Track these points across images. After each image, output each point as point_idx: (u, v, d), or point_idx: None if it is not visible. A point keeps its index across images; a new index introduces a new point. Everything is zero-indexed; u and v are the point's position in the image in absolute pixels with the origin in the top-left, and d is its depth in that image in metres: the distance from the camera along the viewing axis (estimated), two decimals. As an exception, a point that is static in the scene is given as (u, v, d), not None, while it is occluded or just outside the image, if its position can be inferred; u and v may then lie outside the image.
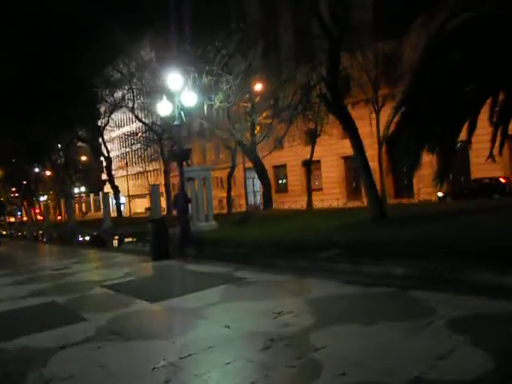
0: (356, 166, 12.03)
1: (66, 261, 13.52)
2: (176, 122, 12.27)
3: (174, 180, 50.68)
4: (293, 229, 14.32)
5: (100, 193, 72.57)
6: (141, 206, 64.34)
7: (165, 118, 12.77)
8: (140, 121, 38.32)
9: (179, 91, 12.18)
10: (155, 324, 5.75)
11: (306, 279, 7.44)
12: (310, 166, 27.09)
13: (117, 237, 23.55)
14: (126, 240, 21.54)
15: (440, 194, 26.92)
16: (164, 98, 12.64)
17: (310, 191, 27.35)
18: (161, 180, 57.94)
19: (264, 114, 23.13)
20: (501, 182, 27.81)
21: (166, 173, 38.65)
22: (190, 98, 11.98)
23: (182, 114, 12.09)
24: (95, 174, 70.82)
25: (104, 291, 8.12)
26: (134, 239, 20.57)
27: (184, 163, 13.75)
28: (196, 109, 12.49)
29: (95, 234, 28.23)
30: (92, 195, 76.85)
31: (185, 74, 12.09)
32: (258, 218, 21.39)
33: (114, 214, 57.41)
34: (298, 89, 11.66)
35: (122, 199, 54.48)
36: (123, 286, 8.40)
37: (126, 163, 54.64)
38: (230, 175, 31.79)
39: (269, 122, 25.84)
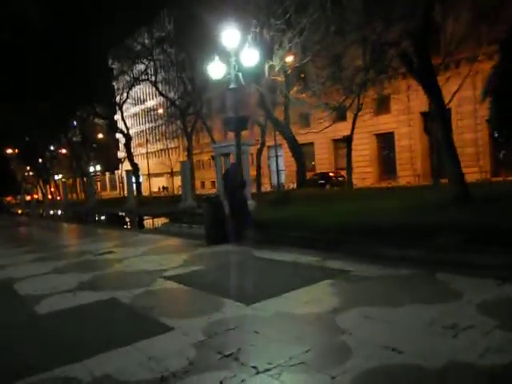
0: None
1: (104, 243, 12.07)
2: (232, 85, 10.56)
3: (197, 157, 49.25)
4: (356, 210, 12.64)
5: (116, 171, 71.61)
6: (156, 185, 63.12)
7: (216, 80, 10.89)
8: (162, 95, 36.53)
9: (236, 49, 10.42)
10: (280, 341, 4.17)
11: (441, 275, 5.78)
12: (351, 143, 25.24)
13: (146, 217, 22.14)
14: (157, 220, 20.11)
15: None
16: (216, 58, 10.89)
17: (350, 170, 25.55)
18: (182, 158, 56.52)
19: (295, 88, 21.05)
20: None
21: (189, 150, 36.95)
22: (250, 57, 10.20)
23: (240, 75, 10.36)
24: (111, 152, 69.64)
25: (172, 285, 6.56)
26: (167, 220, 19.16)
27: (234, 136, 12.03)
28: (255, 70, 10.78)
29: (121, 213, 26.90)
30: (108, 174, 75.75)
31: (243, 28, 10.27)
32: (296, 197, 19.69)
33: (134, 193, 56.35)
34: (374, 47, 9.82)
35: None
36: (193, 279, 6.85)
37: (146, 140, 53.00)
38: (260, 152, 30.07)
39: (303, 95, 23.93)
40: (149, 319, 4.99)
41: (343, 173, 32.68)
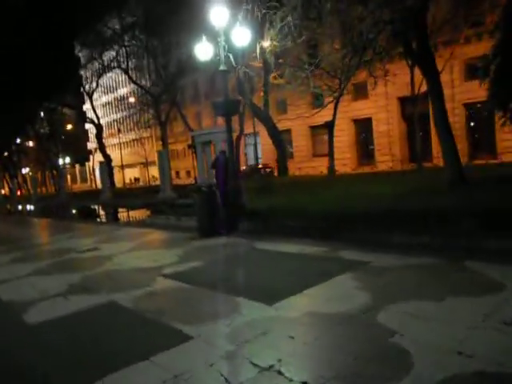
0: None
1: (86, 239, 11.26)
2: (221, 67, 9.88)
3: (171, 147, 48.05)
4: (348, 196, 12.27)
5: (87, 163, 69.46)
6: (129, 176, 61.51)
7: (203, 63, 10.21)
8: (135, 83, 35.21)
9: (225, 28, 9.73)
10: (322, 348, 3.67)
11: (470, 263, 5.39)
12: (333, 129, 24.88)
13: (124, 209, 21.25)
14: (138, 213, 19.30)
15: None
16: (203, 38, 10.16)
17: (332, 155, 25.20)
18: (155, 148, 55.13)
19: (284, 71, 20.36)
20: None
21: (164, 140, 35.90)
22: (241, 36, 9.53)
23: (231, 56, 9.70)
24: (81, 144, 67.37)
25: (174, 284, 5.96)
26: (148, 212, 18.39)
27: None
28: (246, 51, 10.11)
29: (96, 206, 25.84)
30: (77, 166, 73.39)
31: (233, 6, 9.58)
32: (279, 185, 19.22)
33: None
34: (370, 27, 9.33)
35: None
36: (196, 276, 6.27)
37: (118, 130, 51.31)
38: (239, 140, 29.37)
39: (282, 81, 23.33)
40: (160, 326, 4.40)
41: (272, 164, 33.85)
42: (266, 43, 10.45)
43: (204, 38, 10.23)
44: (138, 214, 18.41)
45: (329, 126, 24.59)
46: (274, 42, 10.36)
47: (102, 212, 22.31)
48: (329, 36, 13.39)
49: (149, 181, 50.28)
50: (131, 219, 17.10)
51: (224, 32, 9.72)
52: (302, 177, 26.60)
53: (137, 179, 62.47)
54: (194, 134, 19.78)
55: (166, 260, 7.52)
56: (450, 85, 28.43)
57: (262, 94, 30.97)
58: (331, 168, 24.64)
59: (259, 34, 10.16)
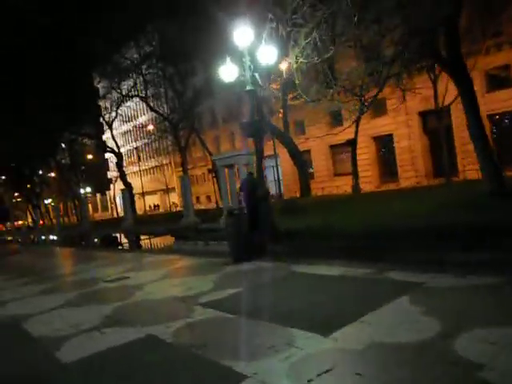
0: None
1: (113, 268, 10.97)
2: (248, 87, 9.67)
3: (190, 172, 48.19)
4: (383, 213, 11.79)
5: (107, 192, 70.19)
6: (149, 203, 61.82)
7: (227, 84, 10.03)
8: (154, 110, 35.56)
9: (250, 48, 9.56)
10: None
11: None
12: (356, 146, 24.51)
13: (147, 236, 21.05)
14: (162, 239, 19.06)
15: None
16: (227, 59, 10.01)
17: (356, 173, 24.77)
18: (174, 174, 55.42)
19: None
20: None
21: (184, 165, 35.94)
22: (267, 54, 9.33)
23: (257, 75, 9.50)
24: (101, 173, 68.26)
25: (215, 314, 5.56)
26: (172, 238, 18.15)
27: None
28: (272, 69, 9.89)
29: (119, 233, 25.73)
30: (98, 195, 74.22)
31: (256, 25, 9.43)
32: (304, 206, 18.76)
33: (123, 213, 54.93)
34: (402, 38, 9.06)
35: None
36: (237, 305, 5.85)
37: (138, 158, 51.85)
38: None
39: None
40: (208, 363, 3.99)
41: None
42: (291, 61, 10.24)
43: (228, 59, 10.08)
44: (162, 241, 18.15)
45: (351, 144, 24.21)
46: (301, 60, 10.12)
47: (125, 240, 22.14)
48: (354, 50, 13.10)
49: (170, 207, 50.30)
50: (156, 246, 16.81)
51: (249, 51, 9.55)
52: (326, 196, 26.13)
53: (156, 206, 62.75)
54: (216, 158, 19.59)
55: (201, 287, 7.13)
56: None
57: (280, 115, 30.87)
58: (356, 186, 24.14)
59: (284, 52, 9.96)
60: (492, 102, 27.29)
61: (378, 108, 32.91)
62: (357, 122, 23.43)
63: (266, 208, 9.75)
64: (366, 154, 35.45)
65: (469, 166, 29.73)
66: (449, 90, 24.39)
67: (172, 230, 20.17)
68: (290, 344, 4.13)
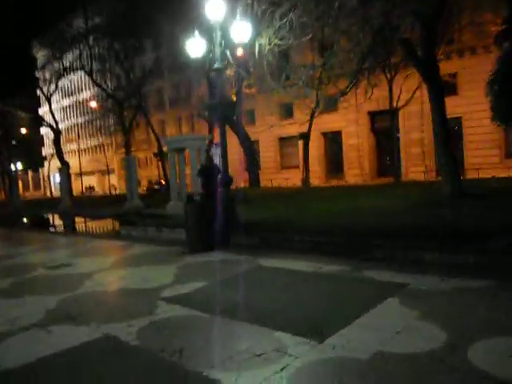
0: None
1: (56, 253, 9.88)
2: (216, 65, 8.97)
3: (135, 155, 46.15)
4: (340, 210, 11.59)
5: (40, 169, 65.86)
6: (85, 184, 58.67)
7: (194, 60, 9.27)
8: (99, 86, 33.46)
9: (222, 23, 8.85)
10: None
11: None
12: (308, 140, 24.38)
13: (88, 219, 19.65)
14: (105, 223, 17.85)
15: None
16: (196, 33, 9.22)
17: (307, 167, 24.68)
18: (115, 156, 52.97)
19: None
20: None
21: (128, 146, 34.27)
22: (242, 31, 8.65)
23: (228, 53, 8.83)
24: (34, 149, 63.86)
25: (183, 311, 4.92)
26: (116, 222, 17.05)
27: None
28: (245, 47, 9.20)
29: (55, 215, 23.94)
30: (30, 172, 69.41)
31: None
32: (254, 197, 18.35)
33: (58, 193, 51.69)
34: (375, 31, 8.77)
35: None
36: (207, 301, 5.25)
37: (78, 135, 48.80)
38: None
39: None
40: (187, 374, 3.37)
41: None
42: (262, 42, 9.65)
43: (196, 32, 9.30)
44: (106, 225, 16.95)
45: (304, 137, 24.07)
46: (275, 41, 9.55)
47: (63, 222, 20.54)
48: (330, 38, 12.68)
49: (109, 189, 47.94)
50: (99, 230, 15.64)
51: (220, 27, 8.83)
52: (277, 188, 25.86)
53: (91, 187, 59.27)
54: (168, 140, 18.68)
55: (160, 280, 6.42)
56: (420, 101, 28.67)
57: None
58: (306, 180, 24.07)
59: (256, 32, 9.33)
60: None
61: (329, 104, 33.19)
62: (311, 115, 23.29)
63: (228, 195, 9.15)
64: (314, 148, 35.60)
65: (411, 168, 30.81)
66: (402, 92, 25.00)
67: (116, 214, 18.99)
68: (280, 351, 3.61)
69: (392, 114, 23.47)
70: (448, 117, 10.35)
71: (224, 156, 9.11)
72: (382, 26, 9.02)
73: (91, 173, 57.62)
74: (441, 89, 10.44)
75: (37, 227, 18.48)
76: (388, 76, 21.72)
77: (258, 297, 5.26)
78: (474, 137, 26.86)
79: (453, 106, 28.33)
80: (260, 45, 9.62)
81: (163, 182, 43.78)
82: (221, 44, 8.86)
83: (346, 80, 17.26)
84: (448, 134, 10.67)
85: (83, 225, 18.05)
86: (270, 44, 9.68)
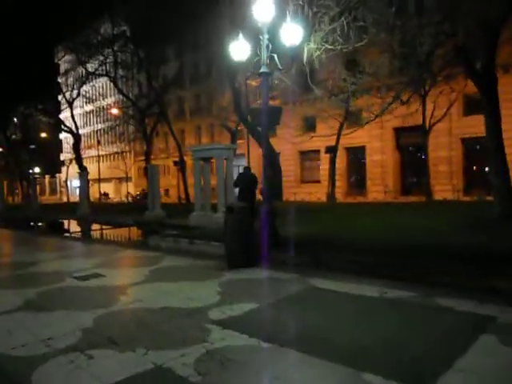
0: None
1: (81, 261, 9.32)
2: (263, 69, 8.45)
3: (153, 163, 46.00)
4: (390, 227, 10.85)
5: (58, 175, 66.27)
6: (104, 191, 58.61)
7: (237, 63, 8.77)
8: (121, 93, 33.34)
9: (270, 25, 8.34)
10: None
11: None
12: (336, 154, 23.75)
13: (108, 227, 19.18)
14: (126, 231, 17.35)
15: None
16: (240, 35, 8.73)
17: (334, 182, 24.01)
18: (132, 164, 52.95)
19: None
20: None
21: (148, 155, 33.95)
22: (292, 34, 8.12)
23: (276, 57, 8.29)
24: (53, 154, 64.34)
25: (239, 339, 4.26)
26: (139, 231, 16.54)
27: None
28: (291, 52, 8.64)
29: (74, 220, 23.54)
30: (47, 177, 69.83)
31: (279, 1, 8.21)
32: (285, 211, 17.66)
33: (77, 199, 51.61)
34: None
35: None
36: (266, 327, 4.58)
37: (98, 142, 48.83)
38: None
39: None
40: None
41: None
42: (311, 46, 9.09)
43: (241, 35, 8.80)
44: (129, 234, 16.44)
45: (331, 152, 23.43)
46: (326, 45, 8.99)
47: (84, 228, 20.08)
48: (378, 46, 12.08)
49: (127, 197, 47.68)
50: (124, 239, 15.11)
51: (268, 29, 8.31)
52: (300, 203, 25.18)
53: (106, 194, 58.82)
54: (194, 149, 18.20)
55: (204, 298, 5.79)
56: (449, 118, 27.89)
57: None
58: (332, 195, 23.38)
59: (307, 36, 8.78)
60: (468, 127, 27.50)
61: (354, 119, 32.59)
62: (340, 129, 22.69)
63: (271, 208, 8.54)
64: (337, 163, 34.97)
65: (437, 187, 29.84)
66: (436, 109, 24.15)
67: (138, 222, 18.51)
68: (381, 402, 2.94)
69: (424, 131, 22.67)
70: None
71: (266, 165, 8.52)
72: (438, 32, 8.42)
73: (108, 180, 57.58)
74: (496, 100, 9.76)
75: (56, 232, 18.03)
76: (422, 91, 21.04)
77: (324, 326, 4.59)
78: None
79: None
80: (309, 49, 9.07)
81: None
82: (268, 47, 8.34)
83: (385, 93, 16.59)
84: (502, 149, 9.94)
85: (105, 232, 17.54)
86: (319, 49, 9.11)
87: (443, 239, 8.32)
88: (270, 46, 8.29)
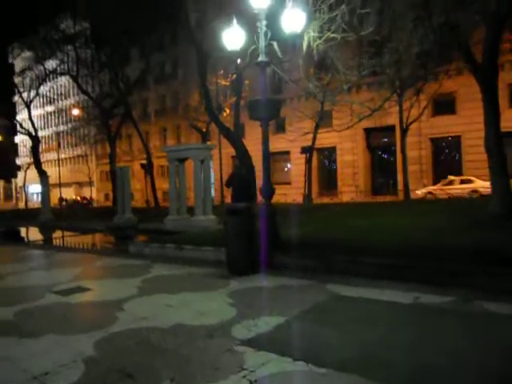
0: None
1: (58, 273, 8.23)
2: (261, 58, 7.78)
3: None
4: (392, 227, 10.33)
5: (13, 180, 62.90)
6: (65, 196, 55.87)
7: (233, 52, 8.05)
8: (84, 92, 31.71)
9: (266, 10, 7.69)
10: None
11: None
12: (312, 154, 23.35)
13: (76, 233, 17.93)
14: (98, 237, 16.21)
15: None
16: (234, 22, 8.01)
17: (310, 182, 23.55)
18: (93, 167, 50.90)
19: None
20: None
21: (112, 157, 32.43)
22: (294, 20, 7.48)
23: (275, 45, 7.64)
24: (7, 158, 60.98)
25: (279, 363, 3.54)
26: (111, 237, 15.48)
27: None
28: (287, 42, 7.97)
29: (38, 227, 21.97)
30: (2, 182, 66.16)
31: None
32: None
33: (35, 205, 49.04)
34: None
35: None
36: (303, 347, 3.90)
37: (58, 144, 46.43)
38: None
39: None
40: None
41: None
42: (310, 34, 8.47)
43: (235, 22, 8.09)
44: (102, 240, 15.34)
45: (307, 152, 23.03)
46: (328, 34, 8.40)
47: (51, 235, 18.68)
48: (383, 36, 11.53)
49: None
50: (98, 246, 14.01)
51: (266, 15, 7.65)
52: (278, 205, 24.57)
53: (65, 199, 55.88)
54: (169, 150, 17.29)
55: (218, 312, 5.05)
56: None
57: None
58: (308, 197, 22.96)
59: (307, 23, 8.15)
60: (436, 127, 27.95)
61: (324, 120, 32.45)
62: (315, 128, 22.33)
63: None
64: (304, 164, 34.70)
65: (410, 186, 30.01)
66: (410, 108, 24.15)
67: (108, 227, 17.36)
68: None
69: (402, 130, 22.55)
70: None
71: (266, 160, 7.87)
72: (442, 24, 8.05)
73: (68, 184, 55.06)
74: (496, 98, 9.52)
75: (18, 241, 16.63)
76: (398, 91, 20.92)
77: (375, 342, 3.95)
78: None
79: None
80: (309, 38, 8.46)
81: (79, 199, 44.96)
82: (266, 34, 7.68)
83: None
84: (501, 148, 9.71)
85: (74, 239, 16.32)
86: (320, 38, 8.52)
87: (453, 239, 7.91)
88: (269, 34, 7.63)
